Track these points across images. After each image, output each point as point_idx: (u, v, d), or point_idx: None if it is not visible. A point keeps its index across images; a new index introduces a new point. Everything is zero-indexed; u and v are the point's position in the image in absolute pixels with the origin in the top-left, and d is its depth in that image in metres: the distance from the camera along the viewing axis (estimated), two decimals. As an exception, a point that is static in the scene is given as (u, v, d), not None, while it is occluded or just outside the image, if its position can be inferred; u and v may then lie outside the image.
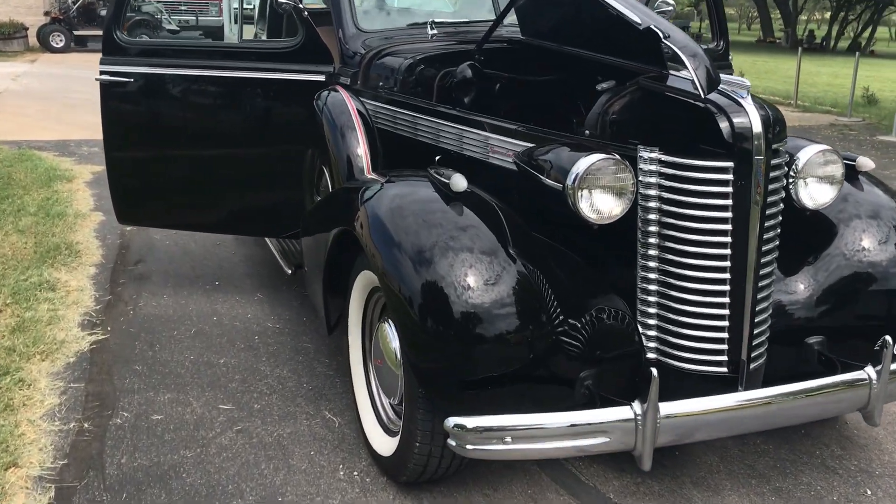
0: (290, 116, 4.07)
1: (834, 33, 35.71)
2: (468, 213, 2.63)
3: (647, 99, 2.67)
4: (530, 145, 2.89)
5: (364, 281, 2.97)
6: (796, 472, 3.01)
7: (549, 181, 2.61)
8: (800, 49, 16.01)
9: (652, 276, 2.59)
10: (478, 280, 2.48)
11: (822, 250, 2.92)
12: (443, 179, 2.66)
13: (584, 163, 2.49)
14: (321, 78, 3.95)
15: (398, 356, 2.74)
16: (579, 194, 2.50)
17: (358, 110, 3.46)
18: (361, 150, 3.32)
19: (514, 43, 3.75)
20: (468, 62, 3.52)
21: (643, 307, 2.63)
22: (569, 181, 2.51)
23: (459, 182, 2.58)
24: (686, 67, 2.49)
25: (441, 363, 2.48)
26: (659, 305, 2.60)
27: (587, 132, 2.76)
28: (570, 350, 2.53)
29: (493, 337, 2.44)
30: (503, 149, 3.02)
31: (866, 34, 35.30)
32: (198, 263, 5.12)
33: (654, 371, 2.34)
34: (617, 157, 2.52)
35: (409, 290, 2.53)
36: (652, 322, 2.62)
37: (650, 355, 2.63)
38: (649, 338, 2.63)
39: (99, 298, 4.48)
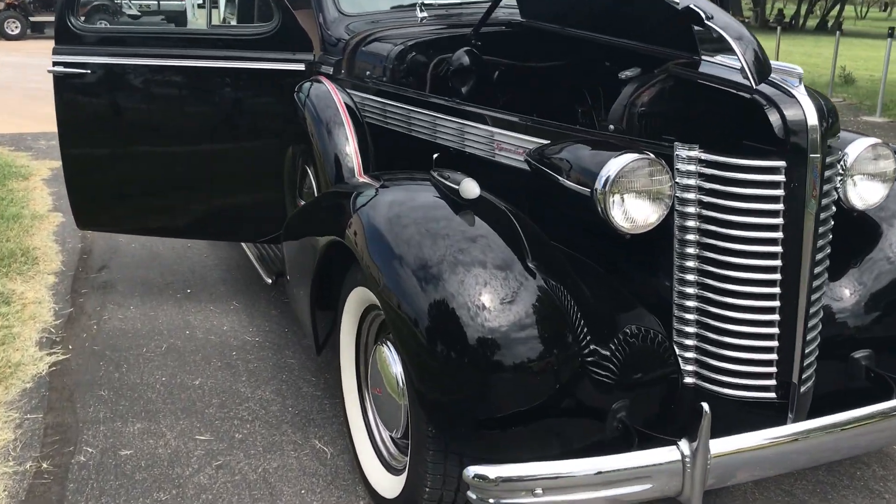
0: (267, 110, 3.70)
1: (803, 11, 35.71)
2: (478, 222, 2.30)
3: (683, 89, 2.35)
4: (544, 142, 2.56)
5: (358, 298, 2.63)
6: (839, 497, 2.73)
7: (572, 184, 2.28)
8: (778, 29, 15.81)
9: (690, 290, 2.28)
10: (493, 299, 2.15)
11: (866, 253, 2.64)
12: (450, 184, 2.32)
13: (616, 164, 2.16)
14: (300, 67, 3.58)
15: (401, 384, 2.41)
16: (610, 200, 2.17)
17: (345, 103, 3.10)
18: (351, 149, 2.96)
19: (514, 26, 3.42)
20: (465, 48, 3.18)
21: (680, 326, 2.32)
22: (598, 185, 2.18)
23: (471, 188, 2.24)
24: (734, 53, 2.16)
25: (454, 397, 2.16)
26: (698, 324, 2.30)
27: (611, 127, 2.43)
28: (600, 378, 2.21)
29: (513, 365, 2.12)
30: (511, 146, 2.68)
31: (834, 12, 35.35)
32: (167, 269, 4.73)
33: (706, 406, 2.03)
34: (652, 156, 2.19)
35: (415, 311, 2.20)
36: (690, 342, 2.32)
37: (688, 380, 2.33)
38: (687, 360, 2.32)
39: (59, 312, 4.09)
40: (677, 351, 2.33)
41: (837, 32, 13.04)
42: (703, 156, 2.20)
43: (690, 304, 2.29)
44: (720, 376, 2.29)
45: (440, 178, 2.39)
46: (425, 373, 2.19)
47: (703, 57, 2.46)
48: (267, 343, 3.79)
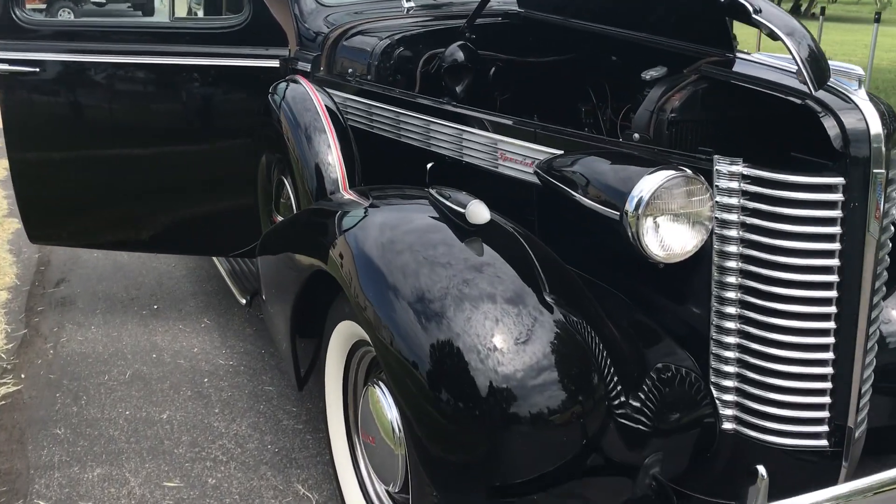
0: (237, 112, 3.35)
1: (777, -4, 35.60)
2: (486, 249, 1.98)
3: (721, 93, 2.05)
4: (557, 152, 2.25)
5: (345, 333, 2.31)
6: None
7: (595, 204, 1.97)
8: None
9: (731, 324, 1.98)
10: (507, 339, 1.85)
11: None
12: (452, 206, 1.99)
13: (650, 182, 1.85)
14: (274, 64, 3.23)
15: (398, 431, 2.09)
16: (643, 225, 1.86)
17: (326, 106, 2.75)
18: (334, 158, 2.63)
19: (511, 17, 3.10)
20: (458, 43, 2.88)
21: (718, 365, 2.02)
22: (629, 207, 1.87)
23: (480, 212, 1.92)
24: (792, 55, 1.85)
25: (463, 457, 1.85)
26: (739, 363, 2.00)
27: (636, 136, 2.12)
28: (630, 428, 1.92)
29: (532, 418, 1.81)
30: (519, 155, 2.36)
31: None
32: (132, 281, 4.37)
33: (762, 470, 1.74)
34: (690, 172, 1.88)
35: (414, 352, 1.89)
36: (729, 384, 2.02)
37: (726, 425, 2.04)
38: (726, 404, 2.03)
39: (11, 334, 3.72)
40: (714, 393, 2.04)
41: (821, 17, 12.83)
42: (748, 171, 1.90)
43: (730, 339, 2.00)
44: (764, 422, 1.99)
45: (440, 198, 2.06)
46: (428, 426, 1.88)
47: (739, 55, 2.16)
48: (241, 367, 3.45)
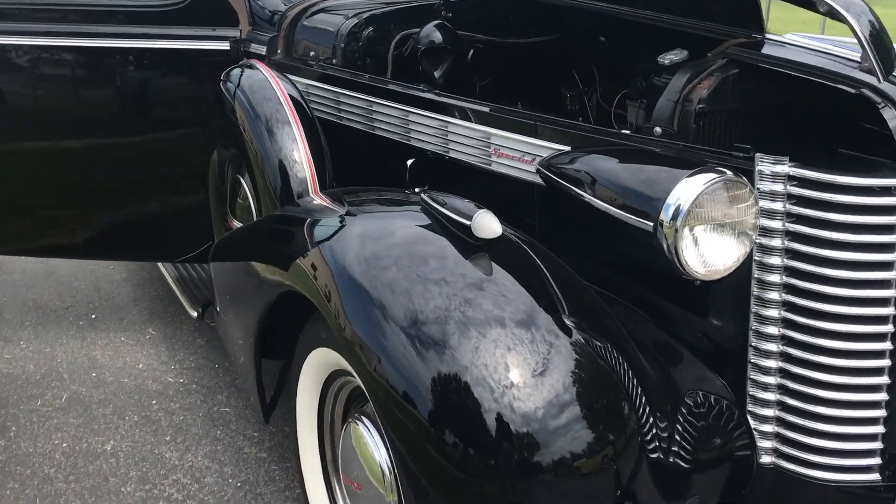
0: (181, 101, 2.98)
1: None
2: (493, 265, 1.70)
3: (757, 80, 1.79)
4: (562, 148, 1.96)
5: (320, 361, 2.01)
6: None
7: (620, 212, 1.70)
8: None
9: (771, 346, 1.75)
10: (522, 370, 1.57)
11: None
12: (451, 215, 1.69)
13: (691, 187, 1.58)
14: (223, 46, 2.86)
15: (387, 474, 1.81)
16: (682, 238, 1.59)
17: (290, 95, 2.41)
18: (301, 155, 2.29)
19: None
20: (435, 22, 2.58)
21: (756, 391, 1.79)
22: (665, 216, 1.59)
23: (490, 224, 1.62)
24: (857, 37, 1.59)
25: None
26: (781, 389, 1.77)
27: (657, 130, 1.85)
28: (664, 469, 1.67)
29: (556, 463, 1.55)
30: (517, 151, 2.07)
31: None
32: (66, 287, 3.95)
33: None
34: (731, 174, 1.62)
35: (412, 388, 1.60)
36: (769, 412, 1.79)
37: (764, 459, 1.81)
38: (764, 434, 1.80)
39: (-74, 354, 3.30)
40: (751, 423, 1.80)
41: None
42: (795, 171, 1.64)
43: (771, 363, 1.76)
44: (808, 454, 1.77)
45: (434, 204, 1.76)
46: (431, 476, 1.60)
47: (768, 36, 1.91)
48: (194, 385, 3.10)
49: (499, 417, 1.53)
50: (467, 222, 1.62)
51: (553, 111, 2.30)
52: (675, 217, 1.58)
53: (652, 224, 1.60)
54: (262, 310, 2.06)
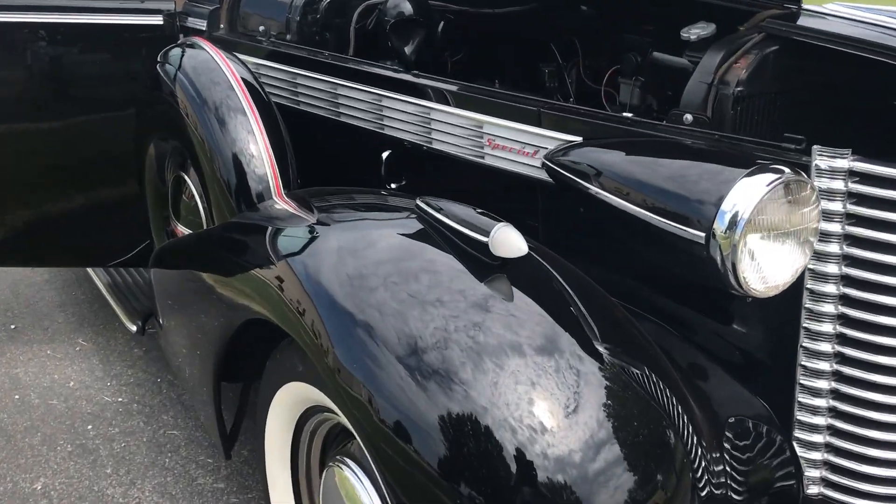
0: (107, 82, 2.62)
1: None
2: (508, 284, 1.42)
3: (800, 58, 1.54)
4: (573, 138, 1.69)
5: (293, 396, 1.72)
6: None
7: (658, 219, 1.43)
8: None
9: (824, 365, 1.53)
10: (553, 407, 1.32)
11: None
12: (460, 228, 1.41)
13: (751, 189, 1.32)
14: (155, 20, 2.49)
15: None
16: (741, 250, 1.34)
17: (242, 78, 2.06)
18: (259, 149, 1.95)
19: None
20: (403, -9, 2.25)
21: (805, 416, 1.57)
22: (720, 225, 1.34)
23: (514, 242, 1.34)
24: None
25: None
26: (833, 412, 1.55)
27: (688, 117, 1.59)
28: (715, 502, 1.44)
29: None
30: (516, 143, 1.79)
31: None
32: (-21, 293, 3.53)
33: None
34: (791, 173, 1.37)
35: (417, 434, 1.33)
36: (818, 438, 1.57)
37: (811, 489, 1.60)
38: (812, 462, 1.59)
39: None
40: (798, 450, 1.59)
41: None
42: (858, 166, 1.41)
43: (822, 384, 1.54)
44: (860, 484, 1.57)
45: (432, 212, 1.47)
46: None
47: (804, 5, 1.66)
48: (135, 404, 2.76)
49: (527, 464, 1.28)
50: (483, 238, 1.34)
51: (532, 90, 2.05)
52: (732, 226, 1.32)
53: (703, 235, 1.34)
54: (220, 337, 1.75)
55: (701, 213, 1.35)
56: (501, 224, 1.34)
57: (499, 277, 1.37)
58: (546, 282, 1.44)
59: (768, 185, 1.32)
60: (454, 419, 1.31)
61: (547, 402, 1.32)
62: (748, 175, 1.33)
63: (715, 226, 1.34)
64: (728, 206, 1.33)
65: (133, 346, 3.10)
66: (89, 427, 2.65)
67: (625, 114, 1.88)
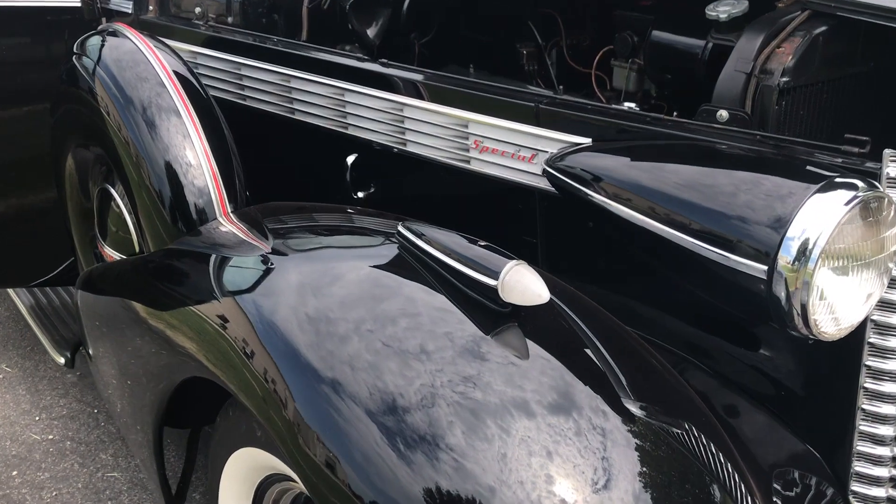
0: (17, 73, 2.25)
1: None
2: (517, 330, 1.14)
3: (852, 41, 1.29)
4: (580, 140, 1.41)
5: (249, 463, 1.43)
6: None
7: (704, 246, 1.16)
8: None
9: (888, 410, 1.29)
10: (580, 487, 1.05)
11: None
12: (462, 268, 1.12)
13: (825, 210, 1.06)
14: (71, 3, 2.13)
15: None
16: (814, 287, 1.07)
17: (175, 71, 1.72)
18: (199, 157, 1.62)
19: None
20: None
21: (865, 467, 1.35)
22: (787, 256, 1.07)
23: (529, 285, 1.05)
24: None
25: None
26: (897, 462, 1.31)
27: (722, 113, 1.31)
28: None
29: None
30: (511, 146, 1.50)
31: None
32: None
33: None
34: (865, 186, 1.10)
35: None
36: (879, 493, 1.36)
37: (862, 544, 1.37)
38: (866, 514, 1.35)
39: None
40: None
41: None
42: (944, 174, 1.15)
43: (887, 431, 1.30)
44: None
45: (416, 241, 1.18)
46: None
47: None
48: (68, 442, 2.43)
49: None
50: (492, 282, 1.05)
51: (509, 75, 1.77)
52: (802, 257, 1.06)
53: (766, 268, 1.07)
54: (156, 387, 1.44)
55: (759, 240, 1.09)
56: (514, 263, 1.05)
57: (510, 327, 1.09)
58: (565, 329, 1.16)
59: (847, 205, 1.05)
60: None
61: (570, 479, 1.06)
62: (819, 191, 1.06)
63: (780, 257, 1.07)
64: (796, 232, 1.06)
65: (65, 370, 2.75)
66: (14, 473, 2.31)
67: (626, 104, 1.62)
